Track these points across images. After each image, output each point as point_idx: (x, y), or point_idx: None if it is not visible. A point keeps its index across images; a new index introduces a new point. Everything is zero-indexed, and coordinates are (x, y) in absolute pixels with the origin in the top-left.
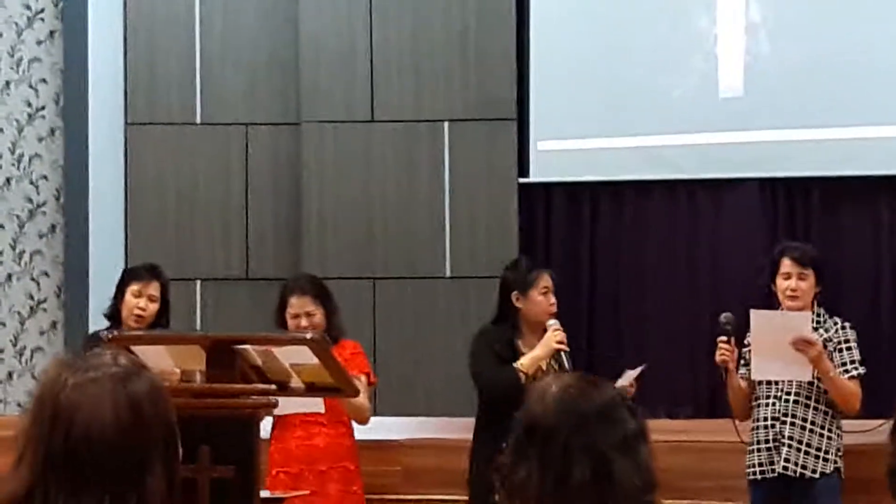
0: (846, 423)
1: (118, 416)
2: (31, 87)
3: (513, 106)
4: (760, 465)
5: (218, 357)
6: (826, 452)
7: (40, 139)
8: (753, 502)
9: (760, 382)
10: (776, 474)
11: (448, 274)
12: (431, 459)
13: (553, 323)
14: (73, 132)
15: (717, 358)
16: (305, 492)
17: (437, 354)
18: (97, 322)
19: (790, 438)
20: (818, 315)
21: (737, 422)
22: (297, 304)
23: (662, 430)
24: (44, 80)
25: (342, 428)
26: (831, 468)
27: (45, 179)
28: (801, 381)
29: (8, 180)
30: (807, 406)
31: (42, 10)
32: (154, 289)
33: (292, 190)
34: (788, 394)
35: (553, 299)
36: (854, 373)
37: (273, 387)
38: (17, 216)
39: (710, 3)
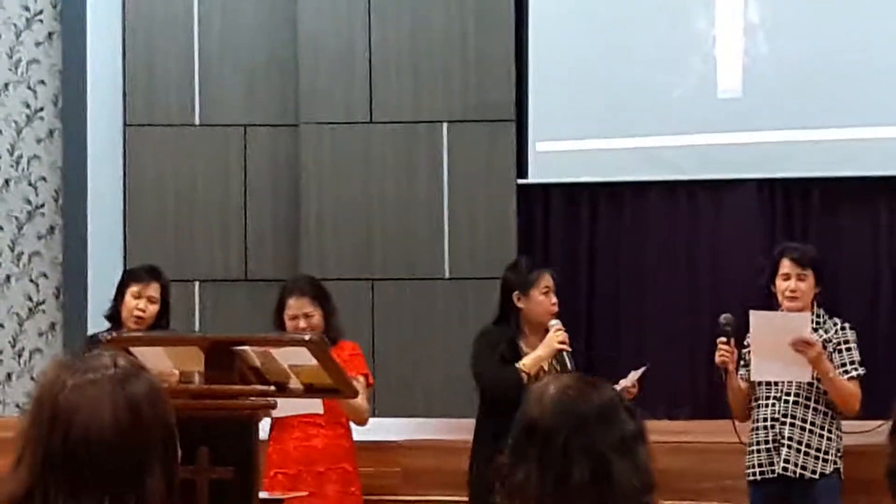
0: (846, 424)
1: (117, 417)
2: (29, 88)
3: (511, 107)
4: (760, 465)
5: (217, 358)
6: (826, 453)
7: (39, 140)
8: (753, 503)
9: (760, 383)
10: (776, 475)
11: (447, 275)
12: (430, 460)
13: (555, 323)
14: (72, 133)
15: (717, 359)
16: (303, 493)
17: (436, 355)
18: (96, 323)
19: (790, 439)
20: (818, 316)
21: (736, 423)
22: (295, 305)
23: (662, 430)
24: (42, 82)
25: (340, 429)
26: (831, 469)
27: (44, 181)
28: (800, 382)
29: (6, 182)
30: (806, 407)
31: (41, 12)
32: (154, 290)
33: (291, 191)
34: (788, 395)
35: (554, 299)
36: (854, 373)
37: (272, 388)
38: (16, 217)
39: (709, 4)
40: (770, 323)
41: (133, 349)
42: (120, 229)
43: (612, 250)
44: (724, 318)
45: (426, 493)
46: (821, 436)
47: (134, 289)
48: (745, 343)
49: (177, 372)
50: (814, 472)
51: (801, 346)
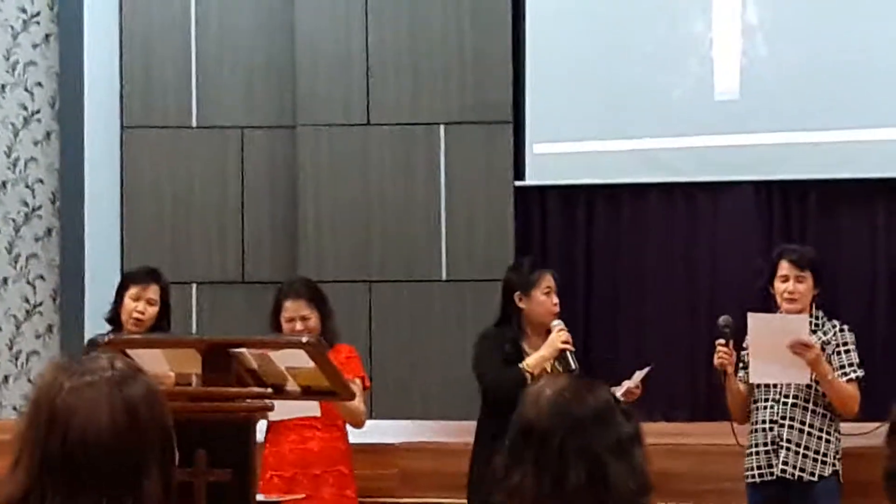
0: (844, 426)
1: (114, 419)
2: (26, 90)
3: (508, 109)
4: (759, 468)
5: (214, 361)
6: (824, 455)
7: (36, 143)
8: None
9: (759, 385)
10: (774, 477)
11: (444, 277)
12: (428, 462)
13: (557, 323)
14: (69, 136)
15: (716, 361)
16: (300, 496)
17: (434, 357)
18: (93, 325)
19: (788, 441)
20: (817, 318)
21: (735, 425)
22: (291, 307)
23: (660, 433)
24: (39, 84)
25: (336, 432)
26: (830, 471)
27: (41, 183)
28: (799, 384)
29: (3, 184)
30: (805, 409)
31: (38, 14)
32: (153, 292)
33: (288, 193)
34: (787, 397)
35: (556, 299)
36: (853, 375)
37: (269, 390)
38: (13, 220)
39: (706, 6)
40: (768, 325)
41: (130, 351)
42: (117, 232)
43: (610, 252)
44: (722, 319)
45: (424, 495)
46: (819, 438)
47: (133, 291)
48: (744, 345)
49: (173, 374)
50: (812, 474)
51: (799, 348)
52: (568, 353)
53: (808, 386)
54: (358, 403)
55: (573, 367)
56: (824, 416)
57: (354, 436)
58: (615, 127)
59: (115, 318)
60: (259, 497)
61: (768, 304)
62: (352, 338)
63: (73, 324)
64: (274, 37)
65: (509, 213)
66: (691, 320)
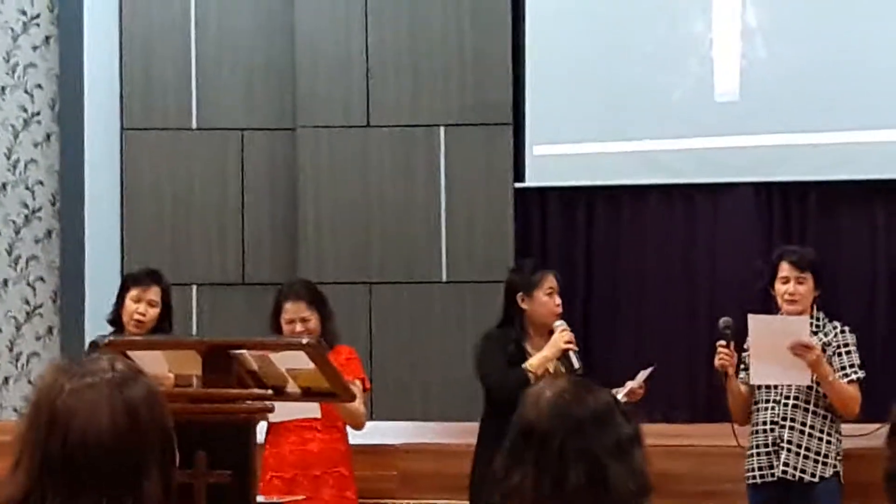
0: (845, 427)
1: (115, 421)
2: (26, 92)
3: (508, 110)
4: (760, 468)
5: (214, 362)
6: (825, 456)
7: (36, 144)
8: None
9: (759, 387)
10: (775, 478)
11: (444, 278)
12: (428, 464)
13: (560, 323)
14: (69, 137)
15: (717, 362)
16: (300, 497)
17: (434, 358)
18: (94, 327)
19: (789, 442)
20: (817, 319)
21: (735, 426)
22: (291, 309)
23: (661, 434)
24: (39, 86)
25: (336, 433)
26: (830, 472)
27: (41, 184)
28: (800, 386)
29: (3, 185)
30: (806, 410)
31: (38, 16)
32: (154, 293)
33: (288, 195)
34: (787, 398)
35: (558, 300)
36: (853, 377)
37: (269, 392)
38: (13, 221)
39: (706, 7)
40: (769, 326)
41: (130, 353)
42: (117, 233)
43: (610, 254)
44: (723, 321)
45: (423, 496)
46: (820, 439)
47: (134, 293)
48: (745, 346)
49: (172, 375)
50: (813, 475)
51: (799, 349)
52: (571, 353)
53: (809, 387)
54: (358, 405)
55: (576, 366)
56: (825, 417)
57: (355, 437)
58: (615, 128)
59: (116, 320)
60: (259, 498)
61: (768, 306)
62: (352, 339)
63: (74, 325)
64: (274, 38)
65: (509, 214)
66: (691, 321)
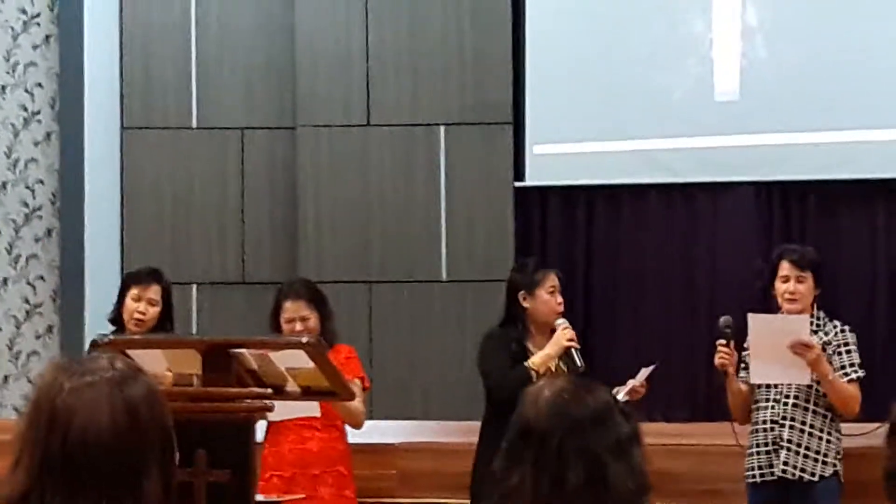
0: (845, 426)
1: (115, 420)
2: (26, 91)
3: (508, 110)
4: (759, 468)
5: (214, 361)
6: (825, 455)
7: (36, 143)
8: None
9: (759, 386)
10: (775, 477)
11: (444, 277)
12: (427, 463)
13: (562, 322)
14: (69, 136)
15: (717, 361)
16: (299, 496)
17: (434, 358)
18: (93, 326)
19: (789, 441)
20: (818, 318)
21: (735, 425)
22: (291, 308)
23: (660, 433)
24: (39, 85)
25: (335, 432)
26: (830, 471)
27: (41, 183)
28: (799, 385)
29: (3, 184)
30: (806, 409)
31: (38, 15)
32: (154, 292)
33: (288, 194)
34: (787, 397)
35: (560, 299)
36: (853, 376)
37: (269, 391)
38: (13, 220)
39: (706, 7)
40: (769, 325)
41: (130, 352)
42: (117, 232)
43: (610, 253)
44: (723, 320)
45: (423, 495)
46: (820, 438)
47: (134, 291)
48: (745, 345)
49: (170, 374)
50: (813, 474)
51: (799, 348)
52: (573, 351)
53: (809, 386)
54: (357, 404)
55: (579, 365)
56: (825, 416)
57: (354, 436)
58: (615, 127)
59: (117, 319)
60: (258, 497)
61: (768, 305)
62: (352, 338)
63: (73, 324)
64: (274, 37)
65: (509, 213)
66: (691, 321)
